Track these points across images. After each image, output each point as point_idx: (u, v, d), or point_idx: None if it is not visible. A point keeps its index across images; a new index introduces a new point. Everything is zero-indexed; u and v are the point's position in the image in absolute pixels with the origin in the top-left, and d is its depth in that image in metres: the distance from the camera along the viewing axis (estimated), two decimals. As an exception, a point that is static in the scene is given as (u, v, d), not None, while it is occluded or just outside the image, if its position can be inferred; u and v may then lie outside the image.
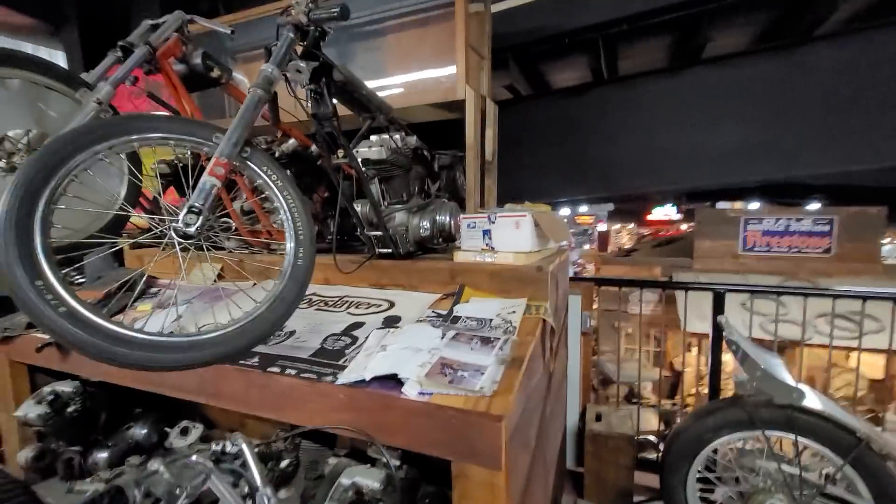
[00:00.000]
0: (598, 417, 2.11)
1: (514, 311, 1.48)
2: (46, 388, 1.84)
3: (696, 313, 8.36)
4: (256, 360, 1.41)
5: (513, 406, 1.09)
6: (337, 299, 1.75)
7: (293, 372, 1.32)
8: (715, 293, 2.21)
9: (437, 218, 1.89)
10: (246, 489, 0.87)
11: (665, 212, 19.16)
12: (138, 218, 1.99)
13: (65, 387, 1.84)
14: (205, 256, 1.15)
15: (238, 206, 1.95)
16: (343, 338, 1.46)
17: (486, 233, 1.68)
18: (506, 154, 2.24)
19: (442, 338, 1.34)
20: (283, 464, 1.45)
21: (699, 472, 1.49)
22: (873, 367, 5.30)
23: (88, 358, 0.85)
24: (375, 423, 1.16)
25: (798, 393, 1.28)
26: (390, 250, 1.74)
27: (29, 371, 1.92)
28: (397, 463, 1.36)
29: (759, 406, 1.35)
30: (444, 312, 1.53)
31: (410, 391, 1.15)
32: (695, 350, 9.67)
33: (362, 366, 1.26)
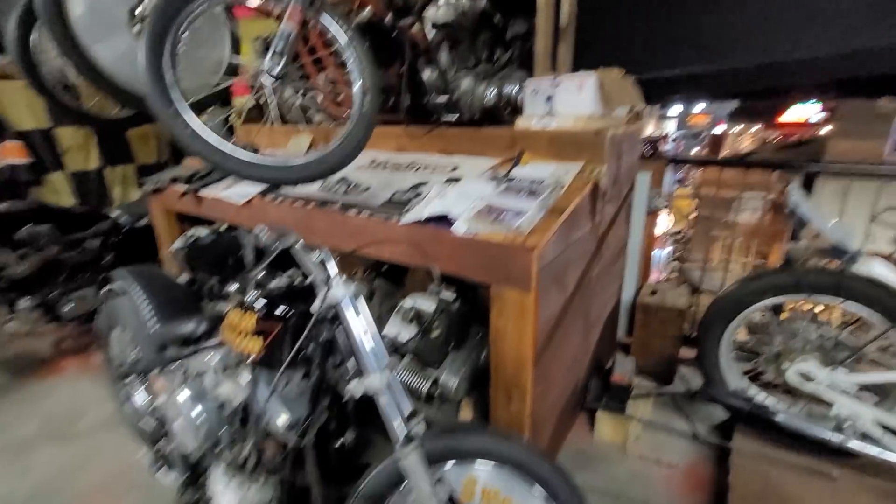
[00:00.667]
0: (654, 292, 2.18)
1: (567, 173, 1.55)
2: (190, 231, 2.34)
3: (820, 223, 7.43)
4: (338, 206, 1.68)
5: (546, 243, 1.23)
6: (407, 164, 1.93)
7: (366, 214, 1.57)
8: (807, 174, 2.02)
9: (505, 87, 1.91)
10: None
11: (804, 112, 16.13)
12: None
13: (202, 230, 2.32)
14: (298, 130, 1.37)
15: (322, 78, 2.13)
16: (409, 192, 1.65)
17: (549, 99, 1.69)
18: (587, 19, 2.09)
19: (494, 189, 1.47)
20: (364, 292, 1.78)
21: (735, 335, 1.54)
22: None
23: (213, 166, 1.13)
24: (430, 254, 1.38)
25: (856, 255, 1.23)
26: (456, 117, 1.83)
27: (178, 218, 2.45)
28: (452, 296, 1.60)
29: (808, 272, 1.32)
30: (503, 174, 1.64)
31: (459, 228, 1.33)
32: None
33: (421, 209, 1.46)
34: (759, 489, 1.43)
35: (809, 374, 1.36)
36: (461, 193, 1.48)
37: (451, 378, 1.56)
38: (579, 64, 2.10)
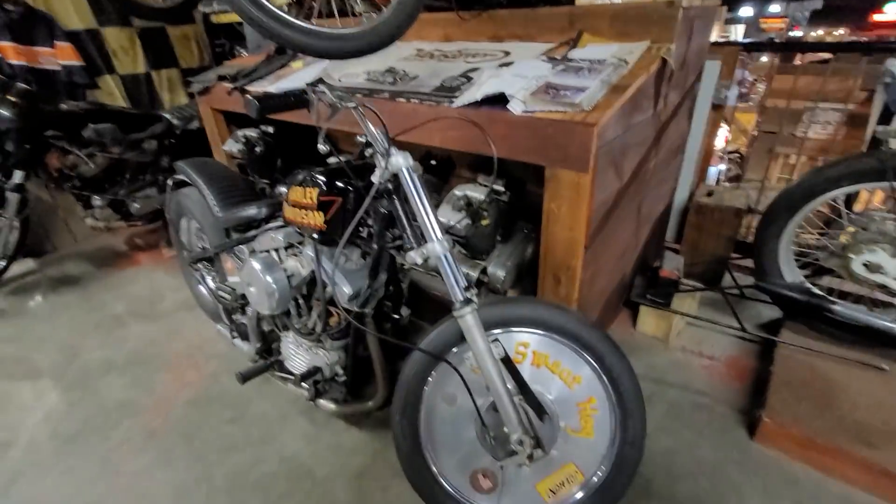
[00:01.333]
0: (710, 194, 2.08)
1: (631, 52, 1.43)
2: (238, 132, 2.38)
3: None
4: (386, 94, 1.65)
5: (608, 120, 1.17)
6: (455, 52, 1.84)
7: (417, 100, 1.54)
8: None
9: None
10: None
11: (903, 8, 13.69)
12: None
13: (250, 132, 2.35)
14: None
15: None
16: (459, 78, 1.59)
17: (616, -34, 1.52)
18: None
19: (552, 69, 1.39)
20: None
21: (800, 225, 1.48)
22: None
23: (269, 35, 1.11)
24: (485, 137, 1.35)
25: None
26: (508, -4, 1.69)
27: (226, 118, 2.48)
28: (501, 188, 1.59)
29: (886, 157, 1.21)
30: (560, 57, 1.54)
31: (516, 108, 1.28)
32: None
33: (475, 90, 1.40)
34: (802, 377, 1.46)
35: (877, 265, 1.30)
36: (517, 74, 1.40)
37: (498, 269, 1.61)
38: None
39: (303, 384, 1.41)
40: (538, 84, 1.31)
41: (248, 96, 0.96)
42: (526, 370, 1.10)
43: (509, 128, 1.29)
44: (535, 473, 1.11)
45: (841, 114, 8.16)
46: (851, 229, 1.37)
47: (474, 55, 1.77)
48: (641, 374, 1.65)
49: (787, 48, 3.00)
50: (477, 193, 1.56)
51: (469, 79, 1.56)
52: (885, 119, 1.68)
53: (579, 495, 1.11)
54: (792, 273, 1.56)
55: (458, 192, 1.59)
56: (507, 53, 1.69)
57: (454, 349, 1.10)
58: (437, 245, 1.00)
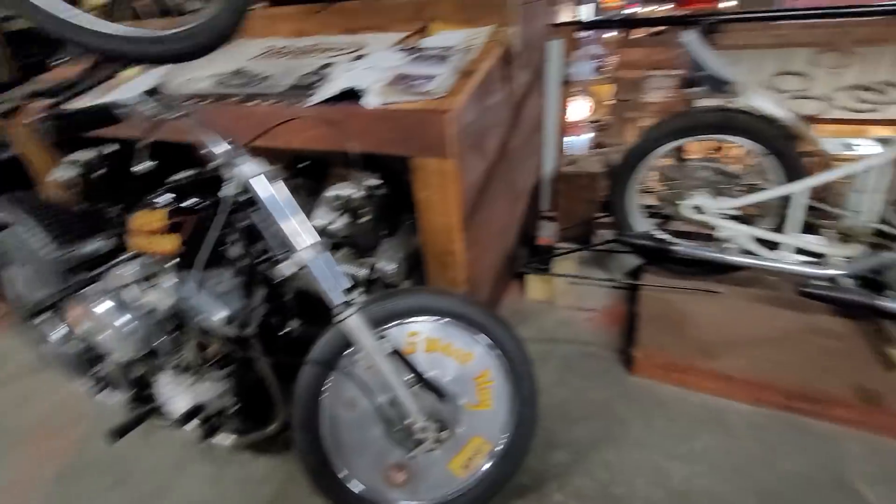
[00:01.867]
0: (572, 163, 2.28)
1: (476, 38, 1.49)
2: (70, 157, 2.04)
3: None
4: (237, 98, 1.53)
5: (461, 105, 1.22)
6: (309, 48, 1.76)
7: (270, 102, 1.45)
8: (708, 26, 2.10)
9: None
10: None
11: (709, -16, 16.29)
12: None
13: (85, 154, 2.04)
14: None
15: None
16: (314, 75, 1.53)
17: (451, -46, 1.56)
18: None
19: (403, 59, 1.40)
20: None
21: (640, 182, 1.69)
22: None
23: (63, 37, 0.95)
24: (343, 135, 1.32)
25: (734, 87, 1.36)
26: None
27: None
28: (377, 181, 1.58)
29: (701, 113, 1.45)
30: (412, 45, 1.55)
31: (370, 101, 1.27)
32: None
33: (328, 87, 1.36)
34: (661, 312, 1.68)
35: (701, 206, 1.54)
36: (369, 67, 1.39)
37: (388, 263, 1.60)
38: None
39: (189, 426, 1.29)
40: (391, 75, 1.31)
41: (37, 119, 0.82)
42: (420, 357, 1.12)
43: (368, 122, 1.28)
44: (446, 454, 1.15)
45: (672, 79, 9.40)
46: (678, 179, 1.60)
47: (329, 49, 1.71)
48: (534, 337, 1.79)
49: (613, 25, 3.35)
50: (352, 191, 1.53)
51: (324, 75, 1.51)
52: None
53: (490, 463, 1.17)
54: (642, 224, 1.79)
55: (331, 192, 1.54)
56: (362, 46, 1.67)
57: (345, 353, 1.08)
58: (305, 253, 0.96)
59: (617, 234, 1.78)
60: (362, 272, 1.60)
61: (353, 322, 0.98)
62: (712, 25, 1.86)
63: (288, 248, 0.98)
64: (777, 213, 1.50)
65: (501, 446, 1.18)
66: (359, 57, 1.56)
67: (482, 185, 1.49)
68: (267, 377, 1.23)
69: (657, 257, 1.77)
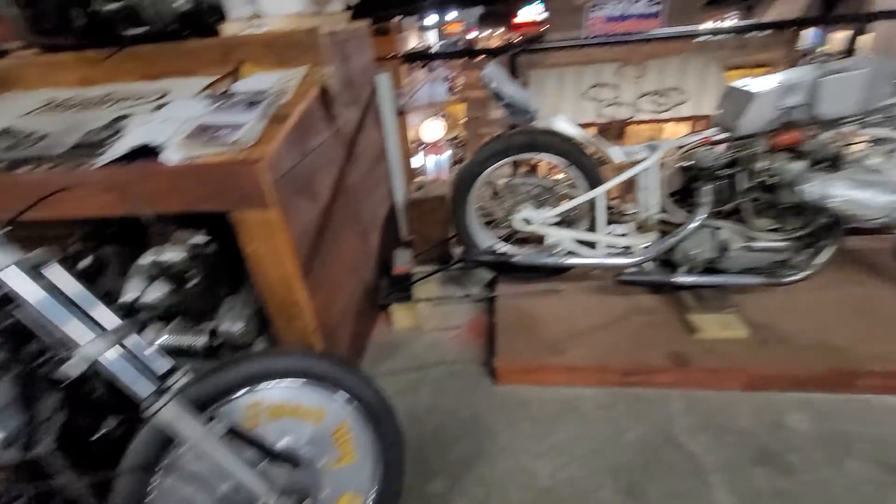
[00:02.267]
0: (419, 188, 2.36)
1: (291, 80, 1.46)
2: None
3: (549, 104, 9.01)
4: (4, 164, 1.28)
5: (275, 152, 1.17)
6: (100, 98, 1.55)
7: (46, 166, 1.24)
8: (511, 56, 2.35)
9: (200, -14, 1.63)
10: None
11: (532, 12, 18.49)
12: None
13: None
14: None
15: None
16: (105, 130, 1.34)
17: (250, -4, 1.51)
18: None
19: (207, 108, 1.30)
20: (85, 264, 1.45)
21: (477, 201, 1.82)
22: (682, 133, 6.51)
23: None
24: (145, 195, 1.17)
25: (534, 114, 1.55)
26: (145, 30, 1.51)
27: None
28: (204, 238, 1.44)
29: (512, 136, 1.62)
30: (221, 91, 1.46)
31: (171, 157, 1.15)
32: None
33: (121, 144, 1.21)
34: (515, 318, 1.81)
35: (528, 218, 1.71)
36: (167, 119, 1.27)
37: (232, 324, 1.47)
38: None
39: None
40: (191, 127, 1.21)
41: None
42: (267, 428, 1.03)
43: (172, 179, 1.16)
44: (314, 522, 1.07)
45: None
46: (507, 196, 1.75)
47: (126, 99, 1.53)
48: (405, 367, 1.78)
49: (432, 57, 3.49)
50: (172, 254, 1.37)
51: (118, 129, 1.34)
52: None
53: (364, 515, 1.12)
54: (486, 238, 1.91)
55: (145, 259, 1.36)
56: (164, 94, 1.52)
57: (169, 448, 0.94)
58: (92, 346, 0.82)
59: (463, 253, 1.87)
60: (201, 340, 1.44)
61: (169, 413, 0.85)
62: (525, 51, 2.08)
63: (69, 345, 0.83)
64: (590, 216, 1.72)
65: (374, 495, 1.13)
66: (160, 106, 1.42)
67: (319, 226, 1.45)
68: (78, 496, 1.02)
69: (503, 269, 1.90)
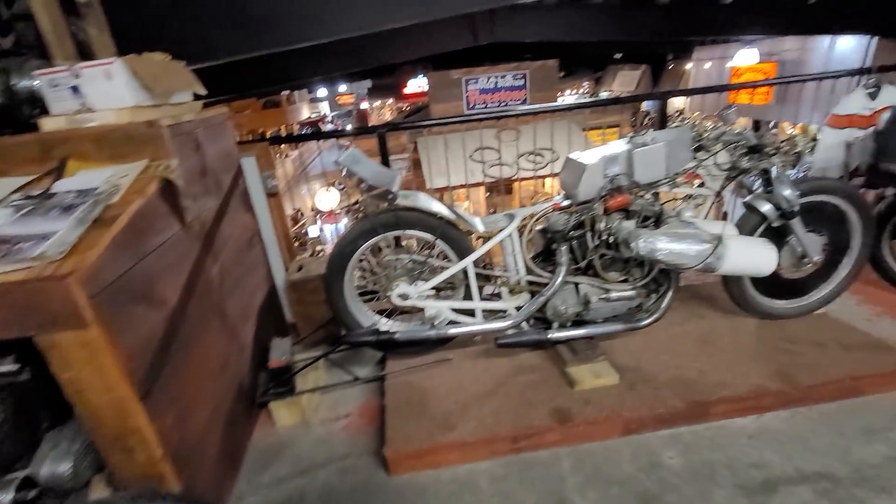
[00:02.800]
0: (300, 268, 2.26)
1: (125, 176, 1.34)
2: None
3: (437, 169, 9.55)
4: None
5: (95, 261, 1.03)
6: None
7: None
8: (378, 135, 2.45)
9: (14, 80, 1.47)
10: None
11: (419, 83, 19.94)
12: None
13: None
14: None
15: None
16: None
17: (76, 90, 1.40)
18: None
19: (9, 217, 1.13)
20: None
21: (354, 281, 1.78)
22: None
23: None
24: (-87, 330, 0.95)
25: (395, 195, 1.60)
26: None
27: None
28: (13, 366, 1.20)
29: (377, 215, 1.64)
30: (38, 192, 1.28)
31: (-50, 281, 0.96)
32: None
33: None
34: (405, 397, 1.74)
35: (405, 293, 1.70)
36: (-51, 233, 1.07)
37: (58, 464, 1.21)
38: (129, 48, 1.82)
39: None
40: (-16, 241, 1.03)
41: None
42: None
43: (-48, 308, 0.96)
44: None
45: (407, 160, 10.83)
46: (382, 273, 1.74)
47: None
48: (290, 473, 1.60)
49: (298, 139, 3.34)
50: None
51: None
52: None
53: None
54: (368, 316, 1.87)
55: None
56: (-38, 198, 1.29)
57: None
58: None
59: (344, 335, 1.80)
60: (6, 497, 1.16)
61: None
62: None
63: None
64: (465, 285, 1.77)
65: None
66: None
67: (167, 333, 1.29)
68: None
69: (387, 347, 1.85)
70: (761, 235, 1.81)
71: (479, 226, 1.70)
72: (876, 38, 9.94)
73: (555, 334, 1.75)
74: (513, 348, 1.80)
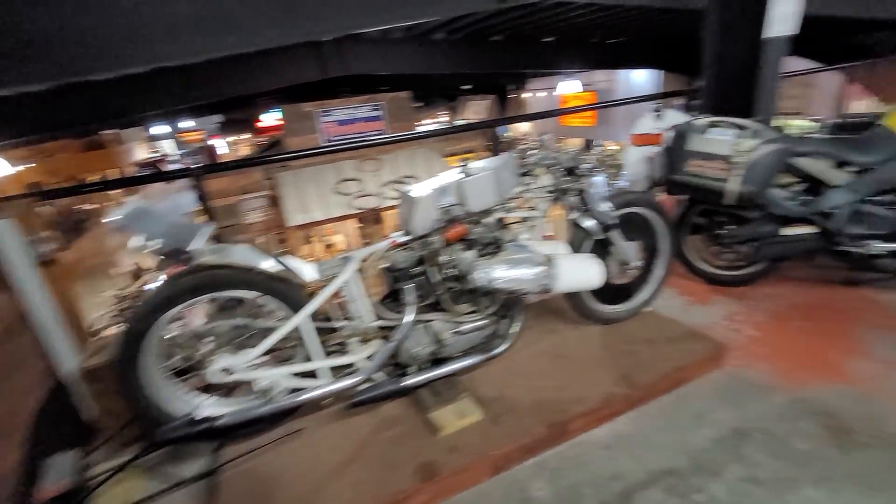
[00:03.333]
0: (102, 349, 1.80)
1: None
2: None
3: (297, 205, 9.04)
4: None
5: None
6: None
7: None
8: (195, 176, 2.13)
9: None
10: None
11: (274, 116, 18.91)
12: None
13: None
14: None
15: None
16: None
17: None
18: None
19: None
20: None
21: (158, 362, 1.45)
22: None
23: None
24: None
25: (193, 254, 1.34)
26: None
27: None
28: None
29: (175, 283, 1.35)
30: None
31: None
32: (315, 241, 10.70)
33: None
34: (247, 489, 1.44)
35: (227, 367, 1.42)
36: None
37: None
38: None
39: None
40: None
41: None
42: None
43: None
44: None
45: (264, 198, 10.07)
46: (193, 347, 1.43)
47: None
48: None
49: (75, 191, 2.44)
50: None
51: None
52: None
53: None
54: (186, 401, 1.52)
55: None
56: None
57: None
58: None
59: (149, 433, 1.44)
60: None
61: None
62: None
63: None
64: (303, 343, 1.55)
65: None
66: None
67: None
68: None
69: (212, 437, 1.53)
70: (592, 249, 1.94)
71: (310, 274, 1.51)
72: (662, 72, 12.35)
73: (412, 380, 1.62)
74: (368, 404, 1.62)
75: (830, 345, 1.99)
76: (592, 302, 2.02)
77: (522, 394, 1.74)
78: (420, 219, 1.57)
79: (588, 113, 14.50)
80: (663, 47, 10.60)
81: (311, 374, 1.56)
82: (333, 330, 1.61)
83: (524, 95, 18.01)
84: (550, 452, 1.59)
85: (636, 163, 2.87)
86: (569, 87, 15.37)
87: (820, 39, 8.85)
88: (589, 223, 1.85)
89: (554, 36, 9.13)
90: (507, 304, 1.76)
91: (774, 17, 2.51)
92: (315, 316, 1.53)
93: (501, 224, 1.74)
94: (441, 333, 1.65)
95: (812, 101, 10.08)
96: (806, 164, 2.15)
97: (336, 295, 1.59)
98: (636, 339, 2.00)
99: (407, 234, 1.63)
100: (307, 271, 1.51)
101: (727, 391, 1.79)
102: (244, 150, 23.83)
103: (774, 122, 2.70)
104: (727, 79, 2.75)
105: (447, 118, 21.94)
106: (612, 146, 12.23)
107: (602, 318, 2.07)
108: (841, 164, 2.13)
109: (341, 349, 1.62)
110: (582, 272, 1.65)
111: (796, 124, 7.55)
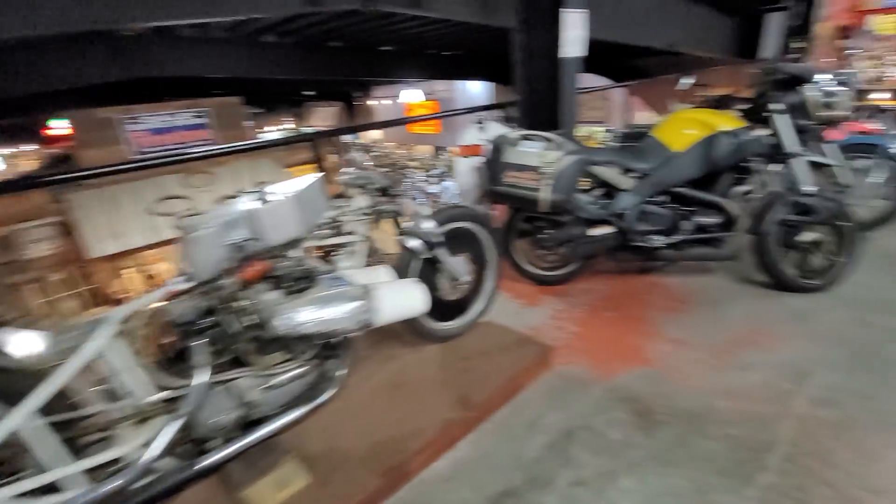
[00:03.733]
0: None
1: None
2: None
3: (104, 231, 7.48)
4: None
5: None
6: None
7: None
8: None
9: None
10: None
11: (64, 124, 15.38)
12: None
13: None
14: None
15: None
16: None
17: None
18: None
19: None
20: None
21: None
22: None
23: None
24: None
25: None
26: None
27: None
28: None
29: None
30: None
31: None
32: (133, 273, 8.98)
33: None
34: None
35: None
36: None
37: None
38: None
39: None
40: None
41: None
42: None
43: None
44: None
45: (51, 226, 8.12)
46: None
47: None
48: None
49: None
50: None
51: None
52: None
53: None
54: None
55: None
56: None
57: None
58: None
59: None
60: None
61: None
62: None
63: None
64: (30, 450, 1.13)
65: None
66: None
67: None
68: None
69: None
70: (421, 268, 1.86)
71: (36, 351, 1.10)
72: (494, 84, 13.47)
73: (215, 456, 1.32)
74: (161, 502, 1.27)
75: (632, 330, 2.26)
76: (427, 321, 1.95)
77: (356, 440, 1.56)
78: (203, 260, 1.28)
79: (434, 122, 15.10)
80: (493, 61, 11.55)
81: (51, 489, 1.14)
82: (88, 418, 1.21)
83: (370, 103, 17.98)
84: (389, 502, 1.44)
85: (465, 173, 2.93)
86: (411, 96, 15.81)
87: (610, 61, 10.59)
88: (414, 243, 1.76)
89: (392, 45, 9.20)
90: (330, 343, 1.56)
91: (567, 40, 2.79)
92: (53, 407, 1.12)
93: (314, 255, 1.54)
94: (248, 392, 1.38)
95: (610, 112, 12.04)
96: (601, 171, 2.42)
97: (89, 370, 1.20)
98: (471, 354, 1.99)
99: (189, 279, 1.32)
100: (31, 347, 1.10)
101: (555, 392, 1.87)
102: (27, 165, 19.05)
103: (578, 132, 3.01)
104: (535, 93, 2.98)
105: (293, 125, 20.70)
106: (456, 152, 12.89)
107: (439, 336, 2.02)
108: (627, 171, 2.45)
109: (105, 442, 1.23)
110: (403, 300, 1.54)
111: (596, 132, 8.87)
